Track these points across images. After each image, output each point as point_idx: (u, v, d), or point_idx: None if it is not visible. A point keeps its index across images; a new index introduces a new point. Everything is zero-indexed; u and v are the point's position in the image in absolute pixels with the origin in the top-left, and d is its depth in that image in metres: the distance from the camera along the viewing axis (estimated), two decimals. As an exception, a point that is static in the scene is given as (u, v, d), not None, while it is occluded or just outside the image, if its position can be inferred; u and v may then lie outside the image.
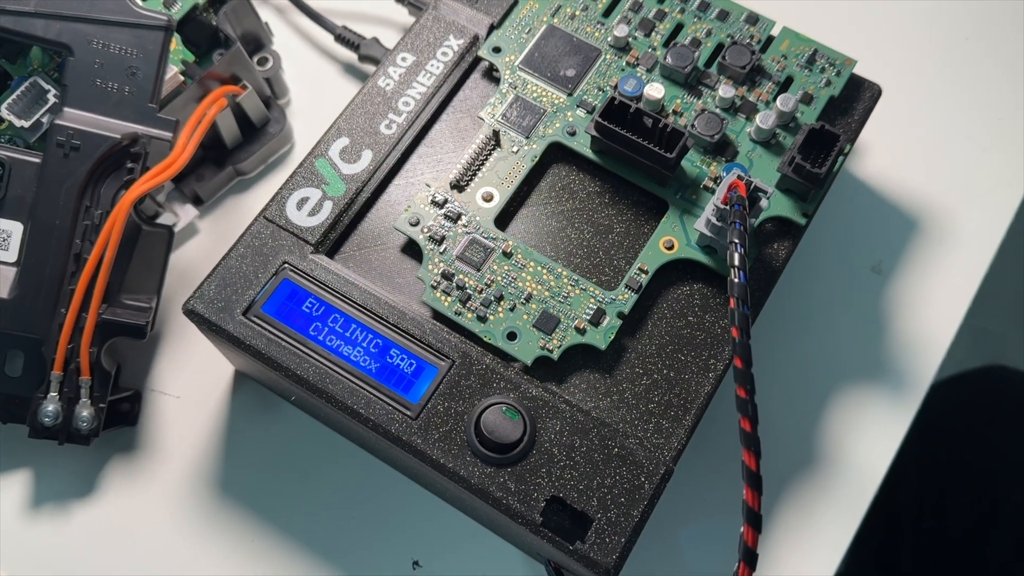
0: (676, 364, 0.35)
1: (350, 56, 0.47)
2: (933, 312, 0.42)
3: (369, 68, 0.47)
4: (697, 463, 0.39)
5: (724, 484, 0.39)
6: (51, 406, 0.36)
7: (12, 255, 0.37)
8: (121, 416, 0.40)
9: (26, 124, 0.37)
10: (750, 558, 0.29)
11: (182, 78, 0.40)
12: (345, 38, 0.46)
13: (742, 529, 0.29)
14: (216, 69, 0.41)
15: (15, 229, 0.37)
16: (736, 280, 0.30)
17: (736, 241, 0.31)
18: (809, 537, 0.39)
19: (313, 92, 0.47)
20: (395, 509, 0.39)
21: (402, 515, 0.39)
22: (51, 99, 0.38)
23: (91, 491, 0.39)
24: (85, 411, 0.37)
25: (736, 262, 0.30)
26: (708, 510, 0.39)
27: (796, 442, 0.40)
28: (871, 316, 0.42)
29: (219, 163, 0.43)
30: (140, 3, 0.38)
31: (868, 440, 0.40)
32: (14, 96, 0.37)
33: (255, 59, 0.44)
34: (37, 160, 0.36)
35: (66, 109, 0.36)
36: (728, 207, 0.32)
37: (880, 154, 0.45)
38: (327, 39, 0.47)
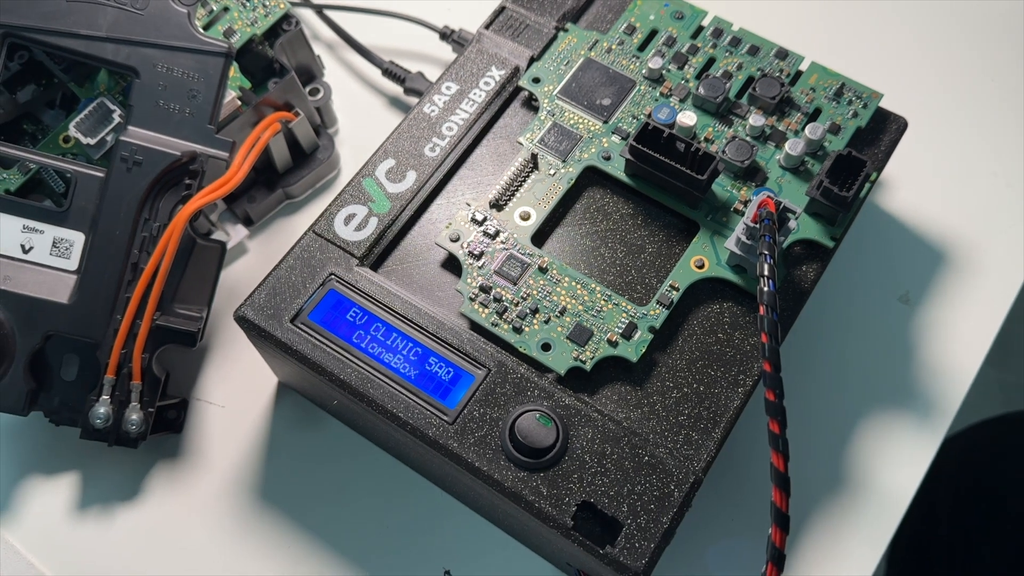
0: (706, 379, 0.36)
1: (396, 89, 0.49)
2: (960, 342, 0.43)
3: (414, 100, 0.49)
4: (724, 489, 0.40)
5: (750, 509, 0.40)
6: (103, 408, 0.38)
7: (74, 263, 0.38)
8: (168, 423, 0.41)
9: (92, 141, 0.40)
10: (778, 559, 0.29)
11: (239, 103, 0.42)
12: (392, 72, 0.48)
13: (770, 531, 0.30)
14: (271, 96, 0.43)
15: (78, 239, 0.39)
16: (766, 288, 0.31)
17: (765, 252, 0.32)
18: (835, 559, 0.39)
19: (360, 122, 0.49)
20: (428, 519, 0.40)
21: (434, 525, 0.40)
22: (116, 119, 0.40)
23: (136, 495, 0.40)
24: (135, 415, 0.38)
25: (766, 271, 0.32)
26: (735, 532, 0.40)
27: (822, 466, 0.40)
28: (899, 344, 0.43)
29: (270, 186, 0.45)
30: (202, 31, 0.40)
31: (894, 466, 0.40)
32: (82, 115, 0.40)
33: (307, 89, 0.47)
34: (101, 174, 0.39)
35: (130, 127, 0.38)
36: (758, 223, 0.34)
37: (907, 188, 0.47)
38: (374, 73, 0.50)
